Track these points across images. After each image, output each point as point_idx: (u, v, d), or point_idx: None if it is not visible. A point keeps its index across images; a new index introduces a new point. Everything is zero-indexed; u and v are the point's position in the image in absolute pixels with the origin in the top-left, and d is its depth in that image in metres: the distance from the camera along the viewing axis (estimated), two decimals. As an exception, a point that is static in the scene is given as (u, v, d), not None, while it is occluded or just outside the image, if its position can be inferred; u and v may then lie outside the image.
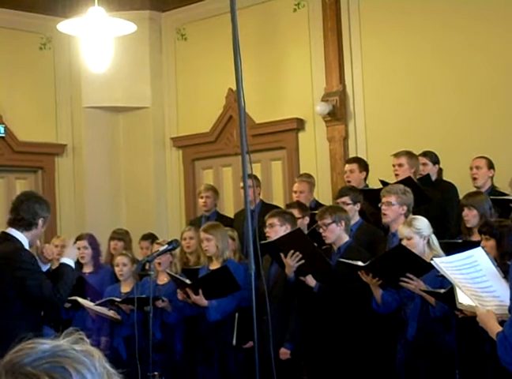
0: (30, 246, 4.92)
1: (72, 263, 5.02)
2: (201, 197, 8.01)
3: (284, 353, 5.86)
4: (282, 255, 5.75)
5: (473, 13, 7.67)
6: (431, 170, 7.05)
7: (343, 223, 5.82)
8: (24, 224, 4.82)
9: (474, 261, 3.83)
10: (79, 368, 1.19)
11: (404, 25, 8.11)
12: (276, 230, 6.02)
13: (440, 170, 7.21)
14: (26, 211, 4.81)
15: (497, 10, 7.55)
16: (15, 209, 4.87)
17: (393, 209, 5.78)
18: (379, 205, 5.88)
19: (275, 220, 6.07)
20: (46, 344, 1.22)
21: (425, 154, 7.06)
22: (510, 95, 7.41)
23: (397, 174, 6.70)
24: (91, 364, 1.22)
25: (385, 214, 5.82)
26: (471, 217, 5.77)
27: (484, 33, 7.59)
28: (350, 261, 5.43)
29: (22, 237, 4.81)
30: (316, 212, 6.20)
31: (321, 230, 5.85)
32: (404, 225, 5.34)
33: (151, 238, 7.69)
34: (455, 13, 7.77)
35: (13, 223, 4.86)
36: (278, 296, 5.79)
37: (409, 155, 6.79)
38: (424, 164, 6.99)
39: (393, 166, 6.77)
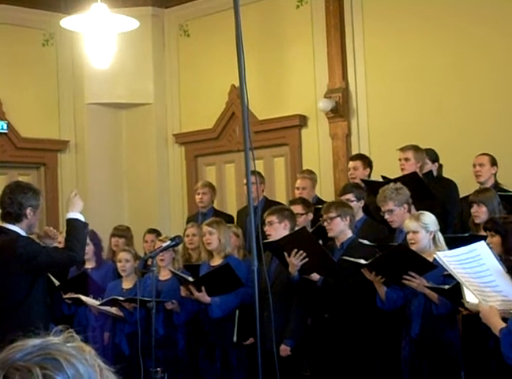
0: (30, 234, 4.86)
1: (80, 216, 4.80)
2: (198, 194, 8.01)
3: (285, 350, 5.83)
4: (286, 254, 5.71)
5: (476, 11, 7.66)
6: (429, 168, 7.01)
7: (348, 219, 5.79)
8: (13, 217, 4.72)
9: (477, 255, 3.79)
10: (70, 359, 1.20)
11: (407, 23, 8.10)
12: (276, 227, 5.98)
13: (440, 167, 7.17)
14: (10, 204, 4.71)
15: (498, 8, 7.53)
16: (1, 203, 4.78)
17: (396, 214, 5.74)
18: (381, 214, 5.84)
19: (273, 218, 6.02)
20: (36, 340, 1.22)
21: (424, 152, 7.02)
22: (513, 92, 7.41)
23: (403, 169, 6.65)
24: (82, 357, 1.22)
25: (391, 221, 5.79)
26: (480, 213, 5.75)
27: (486, 32, 7.57)
28: (353, 259, 5.41)
29: (17, 228, 4.73)
30: (320, 206, 6.17)
31: (325, 224, 5.82)
32: (412, 219, 5.33)
33: (157, 232, 7.70)
34: (458, 10, 7.75)
35: (3, 217, 4.79)
36: (279, 293, 5.73)
37: (415, 149, 6.73)
38: None
39: (400, 160, 6.72)
